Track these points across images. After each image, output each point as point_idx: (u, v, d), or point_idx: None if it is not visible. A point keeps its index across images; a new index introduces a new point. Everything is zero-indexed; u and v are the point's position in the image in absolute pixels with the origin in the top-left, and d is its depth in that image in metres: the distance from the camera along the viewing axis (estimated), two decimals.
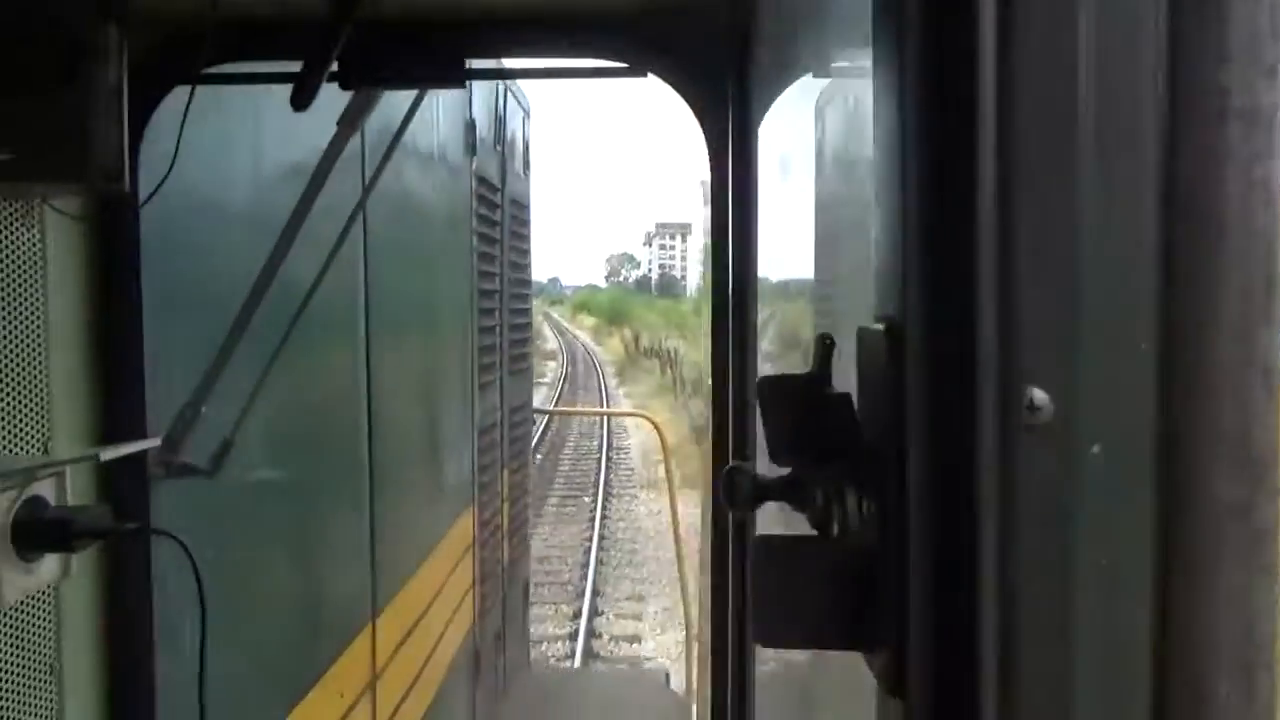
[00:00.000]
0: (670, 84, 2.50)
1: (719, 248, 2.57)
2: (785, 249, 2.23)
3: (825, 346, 0.83)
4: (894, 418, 0.74)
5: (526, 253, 8.18)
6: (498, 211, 7.17)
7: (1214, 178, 0.79)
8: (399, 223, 4.98)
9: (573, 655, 12.57)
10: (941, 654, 0.71)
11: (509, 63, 2.85)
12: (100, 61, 2.06)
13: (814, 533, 0.87)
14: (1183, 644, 0.79)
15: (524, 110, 8.13)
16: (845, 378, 0.97)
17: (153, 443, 2.40)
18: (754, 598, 0.86)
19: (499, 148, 7.25)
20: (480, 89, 6.66)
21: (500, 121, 7.24)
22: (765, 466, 0.91)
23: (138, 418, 2.50)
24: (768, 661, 2.35)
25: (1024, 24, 0.75)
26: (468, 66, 2.46)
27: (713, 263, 2.61)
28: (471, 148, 6.48)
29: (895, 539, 0.74)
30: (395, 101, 4.42)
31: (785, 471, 0.89)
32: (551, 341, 65.62)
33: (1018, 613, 0.76)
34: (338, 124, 2.59)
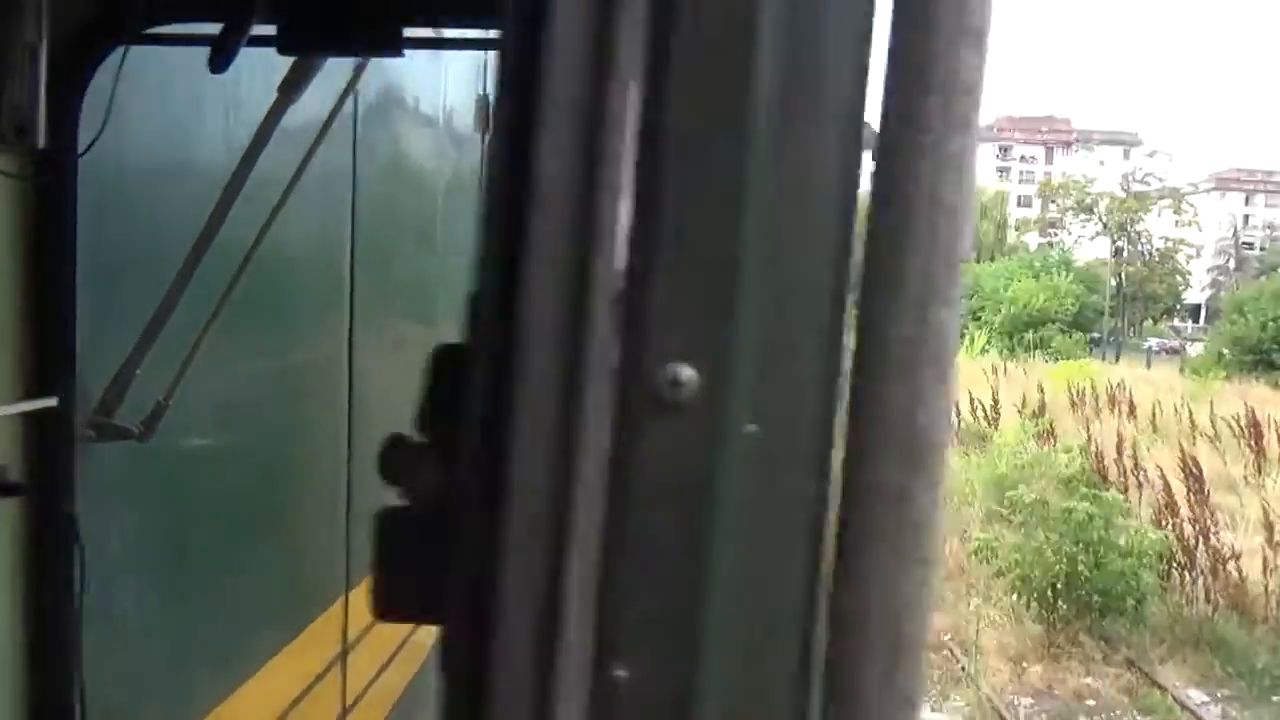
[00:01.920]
0: None
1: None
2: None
3: (474, 304, 0.79)
4: (482, 382, 0.69)
5: None
6: None
7: (905, 150, 0.73)
8: (394, 193, 4.99)
9: None
10: (493, 633, 0.66)
11: (452, 35, 2.82)
12: (17, 19, 2.06)
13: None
14: (832, 634, 0.74)
15: None
16: None
17: (47, 402, 2.41)
18: (371, 570, 0.84)
19: None
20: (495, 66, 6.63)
21: None
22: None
23: (69, 378, 2.51)
24: None
25: None
26: (405, 35, 2.44)
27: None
28: (486, 123, 6.47)
29: (466, 506, 0.69)
30: (389, 69, 4.41)
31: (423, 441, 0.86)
32: None
33: (626, 593, 0.72)
34: (278, 90, 2.58)
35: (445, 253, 5.94)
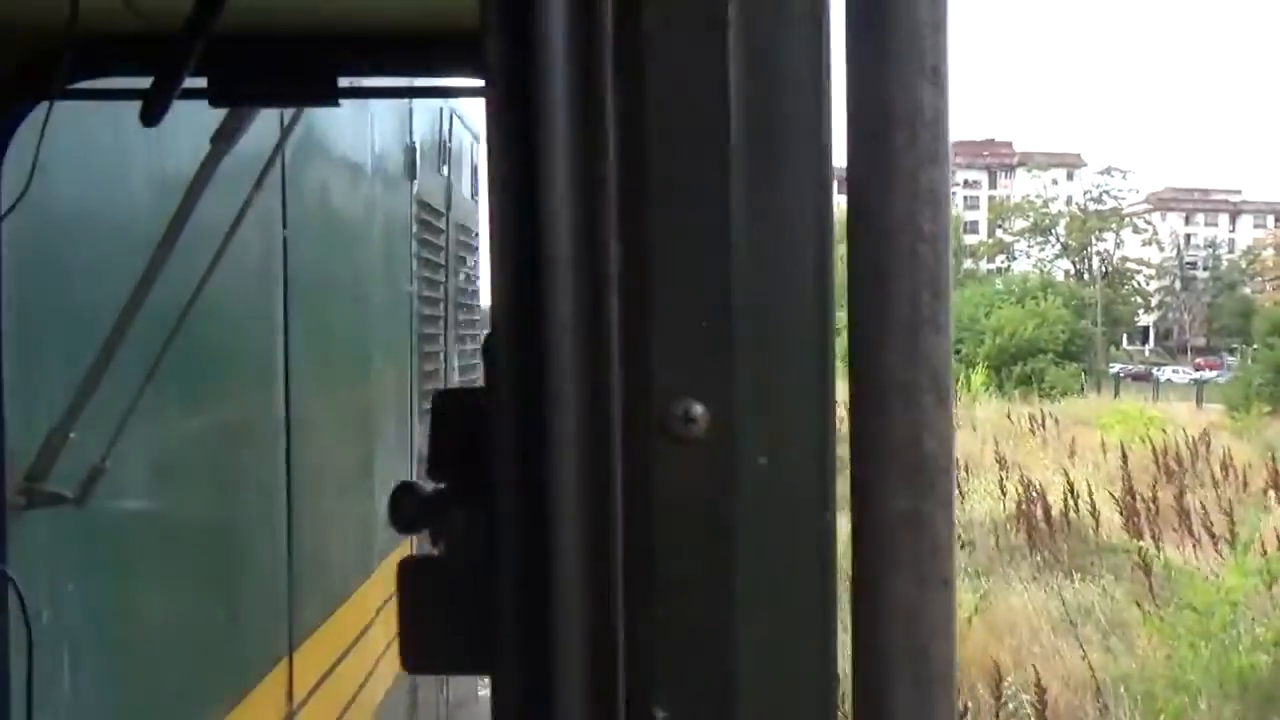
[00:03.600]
0: None
1: None
2: None
3: (488, 351, 0.78)
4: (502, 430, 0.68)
5: (474, 279, 8.15)
6: (442, 236, 7.12)
7: (878, 185, 0.74)
8: (323, 243, 4.92)
9: None
10: (549, 681, 0.65)
11: (389, 84, 2.80)
12: None
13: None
14: (858, 660, 0.74)
15: (473, 135, 8.12)
16: None
17: None
18: (399, 622, 0.81)
19: (443, 172, 7.22)
20: (423, 115, 6.63)
21: (444, 146, 7.21)
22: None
23: None
24: None
25: (674, 22, 0.70)
26: (340, 84, 2.41)
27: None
28: (412, 172, 6.44)
29: (506, 555, 0.68)
30: (322, 116, 4.37)
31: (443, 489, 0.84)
32: None
33: (670, 635, 0.71)
34: (211, 141, 2.53)
35: (378, 301, 5.87)
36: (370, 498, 5.66)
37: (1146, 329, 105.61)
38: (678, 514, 0.73)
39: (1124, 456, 18.02)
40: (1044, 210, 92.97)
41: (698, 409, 0.73)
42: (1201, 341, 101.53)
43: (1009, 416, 28.75)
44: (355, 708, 5.13)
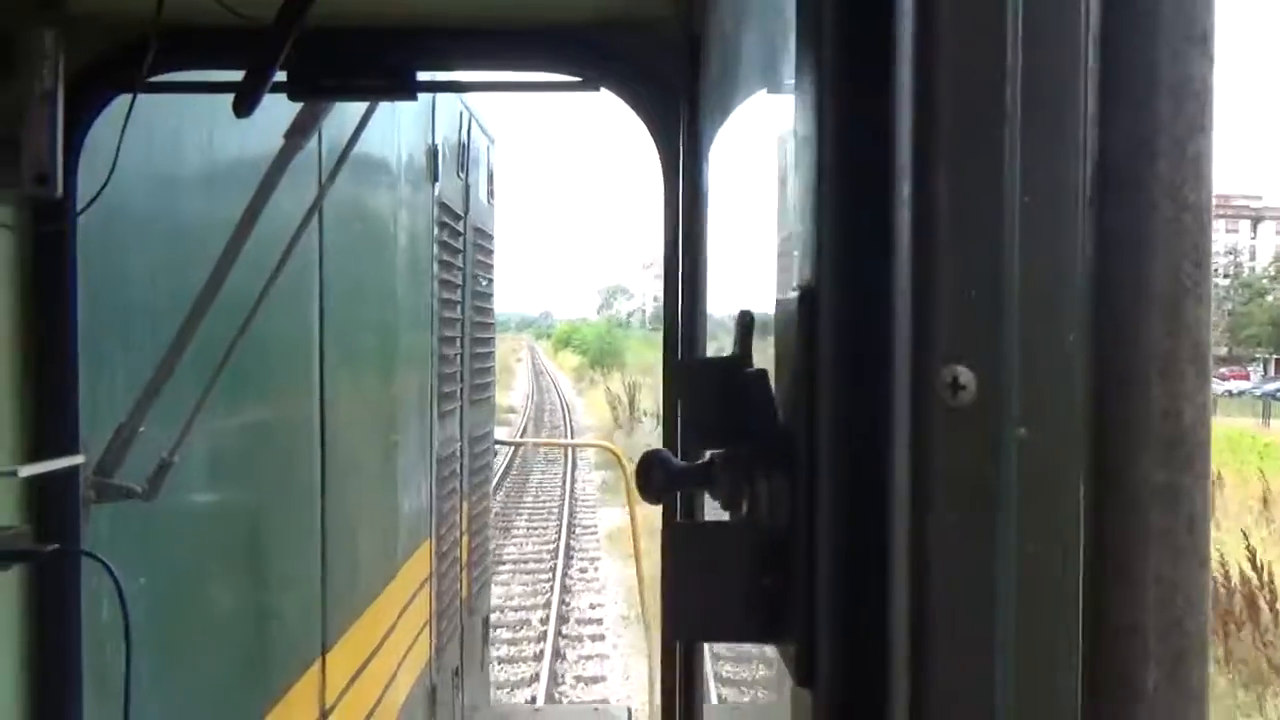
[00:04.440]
0: (624, 99, 2.48)
1: (670, 269, 2.54)
2: (731, 271, 2.21)
3: (745, 324, 0.79)
4: (807, 394, 0.69)
5: (490, 281, 8.15)
6: (460, 239, 7.13)
7: (1144, 153, 0.76)
8: (355, 244, 4.93)
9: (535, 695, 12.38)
10: (852, 644, 0.66)
11: (464, 78, 2.82)
12: (36, 65, 2.00)
13: (726, 519, 0.83)
14: (1110, 634, 0.75)
15: (489, 139, 8.12)
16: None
17: (73, 460, 2.32)
18: (666, 590, 0.81)
19: (462, 175, 7.23)
20: (444, 117, 6.64)
21: (464, 149, 7.22)
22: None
23: (70, 436, 2.42)
24: (724, 663, 2.28)
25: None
26: (418, 79, 2.43)
27: (664, 284, 2.58)
28: (434, 174, 6.44)
29: (805, 524, 0.69)
30: (349, 117, 4.39)
31: (704, 458, 0.85)
32: (519, 391, 50.92)
33: (932, 601, 0.72)
34: (285, 136, 2.54)
35: (402, 304, 5.88)
36: (394, 499, 5.66)
37: None
38: (942, 480, 0.74)
39: None
40: None
41: (966, 374, 0.74)
42: (1223, 351, 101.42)
43: None
44: (384, 704, 5.12)
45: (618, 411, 37.33)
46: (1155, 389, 0.75)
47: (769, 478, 0.74)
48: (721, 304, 2.41)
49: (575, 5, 2.35)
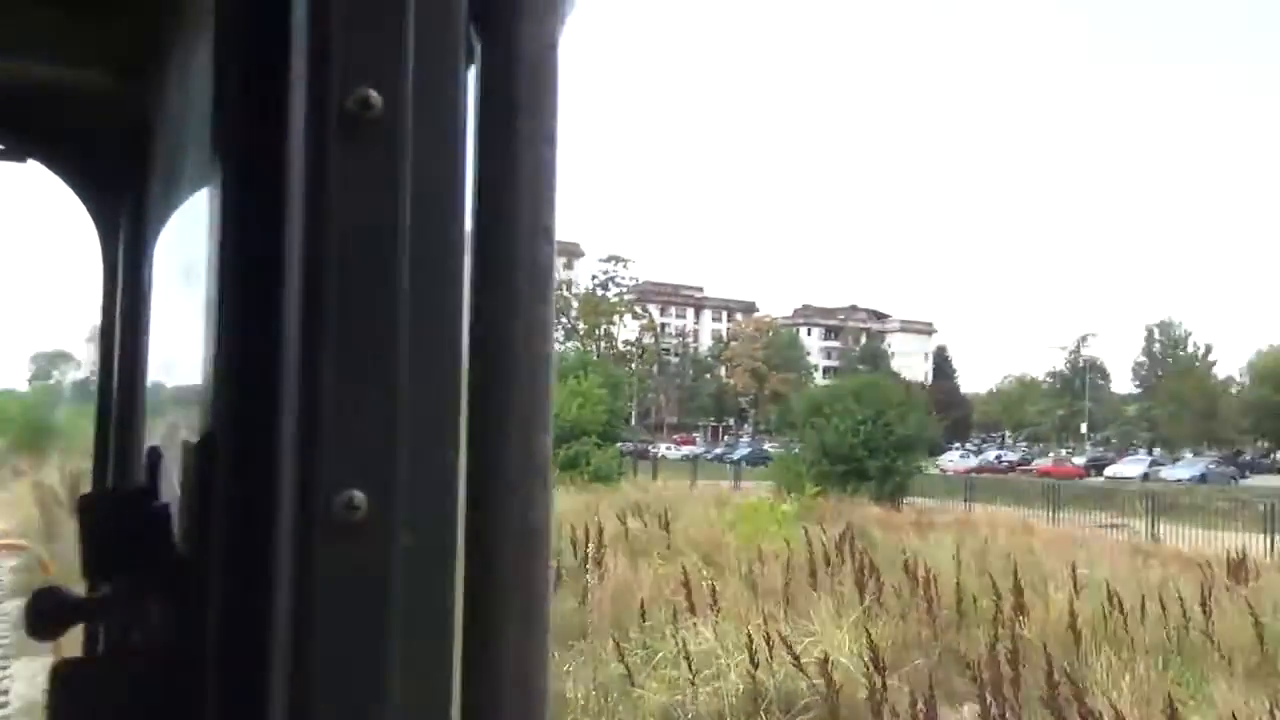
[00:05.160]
0: (60, 177, 2.31)
1: (106, 360, 2.40)
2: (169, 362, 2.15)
3: (152, 460, 0.84)
4: (201, 526, 0.76)
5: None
6: None
7: (502, 314, 0.94)
8: None
9: None
10: None
11: None
12: None
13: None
14: (471, 701, 0.90)
15: None
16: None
17: None
18: None
19: None
20: None
21: None
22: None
23: None
24: None
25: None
26: None
27: (99, 374, 2.43)
28: None
29: (193, 651, 0.75)
30: None
31: (106, 591, 0.86)
32: None
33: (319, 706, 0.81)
34: None
35: None
36: None
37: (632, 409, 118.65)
38: (336, 595, 0.84)
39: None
40: (561, 294, 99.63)
41: (359, 496, 0.86)
42: (673, 419, 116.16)
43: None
44: None
45: (54, 512, 26.60)
46: (511, 498, 0.93)
47: (163, 608, 0.79)
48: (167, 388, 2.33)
49: (8, 64, 2.16)
